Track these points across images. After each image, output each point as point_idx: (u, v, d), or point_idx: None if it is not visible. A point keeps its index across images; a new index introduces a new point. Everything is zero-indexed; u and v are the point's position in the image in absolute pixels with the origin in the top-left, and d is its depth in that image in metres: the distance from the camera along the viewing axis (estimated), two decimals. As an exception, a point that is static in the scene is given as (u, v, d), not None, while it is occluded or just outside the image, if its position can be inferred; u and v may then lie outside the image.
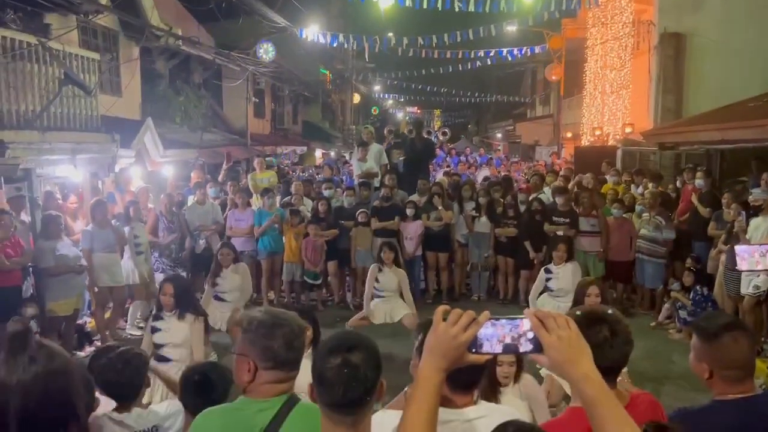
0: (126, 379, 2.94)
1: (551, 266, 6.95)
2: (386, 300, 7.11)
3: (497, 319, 1.43)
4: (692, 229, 8.64)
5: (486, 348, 1.43)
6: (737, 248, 2.63)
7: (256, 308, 2.30)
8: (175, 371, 4.71)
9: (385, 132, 12.31)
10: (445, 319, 1.49)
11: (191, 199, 9.62)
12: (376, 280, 7.12)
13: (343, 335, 1.86)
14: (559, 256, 6.90)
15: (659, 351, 7.29)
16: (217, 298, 6.91)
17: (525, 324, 1.41)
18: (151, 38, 13.60)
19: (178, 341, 4.92)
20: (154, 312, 5.04)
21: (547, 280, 6.83)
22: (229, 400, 2.72)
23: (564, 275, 6.69)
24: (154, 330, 4.96)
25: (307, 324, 2.24)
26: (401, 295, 7.14)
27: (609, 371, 2.13)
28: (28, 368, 1.51)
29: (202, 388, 2.84)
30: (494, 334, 1.43)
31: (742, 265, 2.59)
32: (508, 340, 1.42)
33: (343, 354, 1.72)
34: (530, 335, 1.40)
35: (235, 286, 6.92)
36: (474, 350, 1.44)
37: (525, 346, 1.41)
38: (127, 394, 2.96)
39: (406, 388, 2.16)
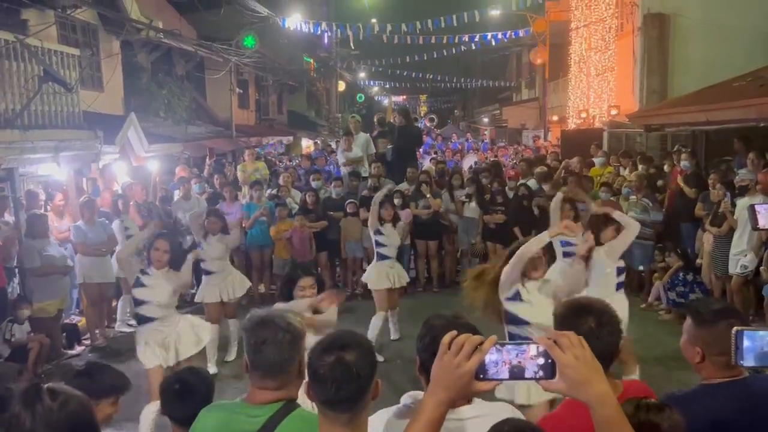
0: None
1: None
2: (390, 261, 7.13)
3: (503, 345, 1.38)
4: (679, 210, 8.70)
5: (492, 374, 1.38)
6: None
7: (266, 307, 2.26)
8: (160, 330, 4.92)
9: (375, 120, 12.26)
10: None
11: (177, 194, 9.56)
12: (379, 232, 7.13)
13: (338, 333, 1.86)
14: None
15: (649, 332, 7.36)
16: (204, 271, 6.93)
17: (532, 349, 1.36)
18: (131, 31, 13.43)
19: (163, 302, 4.96)
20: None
21: None
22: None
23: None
24: (138, 284, 4.95)
25: (299, 325, 2.17)
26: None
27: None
28: (48, 416, 1.62)
29: (182, 396, 2.77)
30: (499, 360, 1.37)
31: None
32: (514, 366, 1.37)
33: (336, 352, 1.72)
34: (540, 361, 1.36)
35: (220, 254, 6.90)
36: (482, 376, 1.38)
37: (534, 373, 1.36)
38: None
39: (406, 400, 2.15)
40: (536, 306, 3.98)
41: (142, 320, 5.03)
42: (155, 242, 5.07)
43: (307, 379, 1.79)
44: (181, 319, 5.19)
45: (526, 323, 3.96)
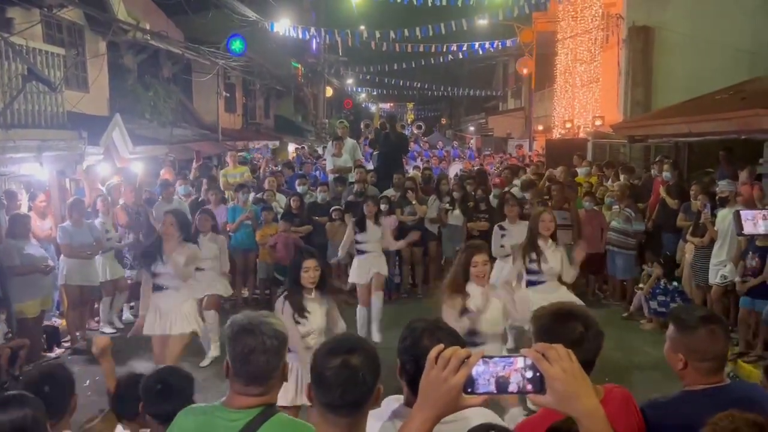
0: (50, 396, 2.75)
1: (504, 224, 7.27)
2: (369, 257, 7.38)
3: (490, 357, 1.37)
4: (661, 220, 8.79)
5: (480, 387, 1.36)
6: (742, 213, 2.63)
7: (247, 310, 2.21)
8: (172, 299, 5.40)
9: (362, 126, 12.30)
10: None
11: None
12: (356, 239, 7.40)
13: (343, 337, 1.86)
14: (510, 209, 7.31)
15: (630, 341, 7.42)
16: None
17: (519, 362, 1.35)
18: (118, 32, 13.32)
19: (174, 271, 5.37)
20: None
21: (502, 236, 7.17)
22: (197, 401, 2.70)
23: (518, 232, 6.74)
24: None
25: (281, 333, 2.14)
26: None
27: (585, 366, 2.15)
28: None
29: (164, 396, 2.76)
30: (487, 372, 1.36)
31: (746, 227, 2.60)
32: (502, 379, 1.35)
33: (343, 355, 1.72)
34: (528, 374, 1.34)
35: (212, 254, 6.92)
36: (470, 390, 1.37)
37: (522, 386, 1.34)
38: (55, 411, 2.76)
39: (392, 404, 2.13)
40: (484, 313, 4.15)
41: (155, 288, 5.46)
42: (164, 219, 5.51)
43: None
44: (190, 299, 5.57)
45: (477, 333, 4.12)
